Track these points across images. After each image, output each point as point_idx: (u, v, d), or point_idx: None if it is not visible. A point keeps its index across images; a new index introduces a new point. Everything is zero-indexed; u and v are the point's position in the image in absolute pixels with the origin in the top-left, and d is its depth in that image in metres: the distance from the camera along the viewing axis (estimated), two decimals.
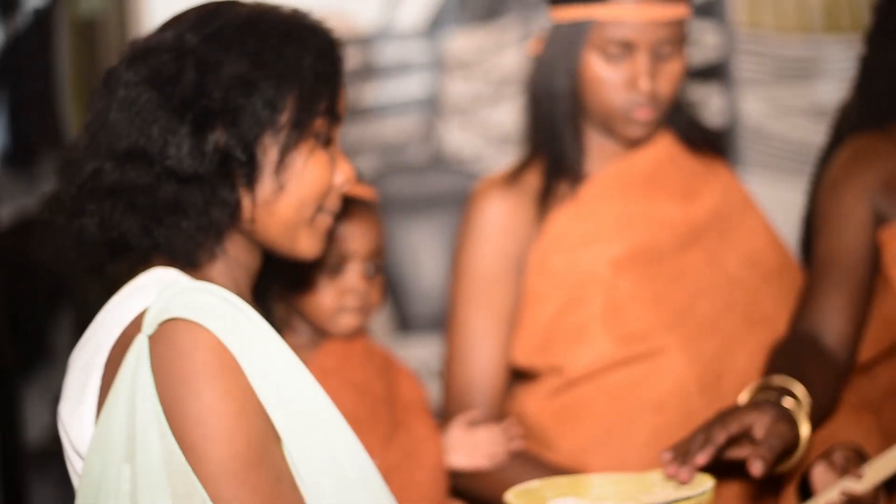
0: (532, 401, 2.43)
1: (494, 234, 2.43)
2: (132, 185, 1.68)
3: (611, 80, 2.39)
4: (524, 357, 2.43)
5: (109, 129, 1.71)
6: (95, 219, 1.70)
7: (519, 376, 2.49)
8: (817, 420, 2.15)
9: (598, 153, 2.48)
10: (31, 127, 3.64)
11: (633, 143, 2.48)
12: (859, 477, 2.25)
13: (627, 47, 2.37)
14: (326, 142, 1.80)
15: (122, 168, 1.69)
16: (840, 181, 2.49)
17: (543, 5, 2.53)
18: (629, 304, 2.39)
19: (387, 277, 2.31)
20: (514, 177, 2.47)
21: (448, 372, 2.45)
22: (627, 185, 2.47)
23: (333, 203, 1.83)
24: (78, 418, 1.67)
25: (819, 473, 2.30)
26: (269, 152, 1.73)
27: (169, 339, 1.59)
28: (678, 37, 2.40)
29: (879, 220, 2.44)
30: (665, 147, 2.50)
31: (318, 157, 1.78)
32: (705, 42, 3.60)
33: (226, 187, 1.71)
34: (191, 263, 1.72)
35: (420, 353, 2.57)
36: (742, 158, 3.60)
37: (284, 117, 1.73)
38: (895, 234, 2.41)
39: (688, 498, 1.82)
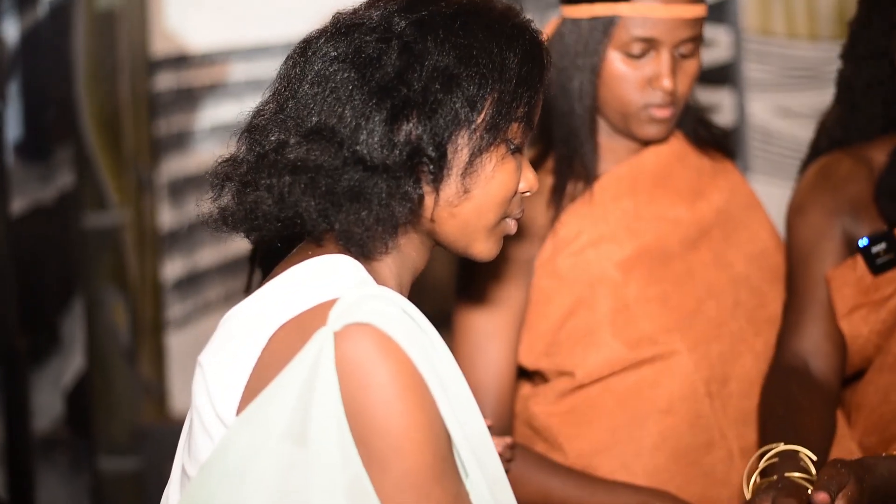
0: (539, 403, 2.43)
1: None
2: (316, 164, 1.65)
3: (632, 79, 2.38)
4: (531, 359, 2.43)
5: (300, 101, 1.68)
6: (273, 193, 1.66)
7: (525, 377, 2.49)
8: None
9: (610, 153, 2.48)
10: (47, 119, 3.67)
11: (647, 143, 2.48)
12: None
13: (650, 45, 2.36)
14: (517, 148, 1.77)
15: (308, 145, 1.66)
16: (807, 205, 2.49)
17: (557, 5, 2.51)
18: (637, 306, 2.39)
19: None
20: None
21: None
22: (636, 185, 2.47)
23: (516, 210, 1.80)
24: (226, 382, 1.65)
25: None
26: (461, 152, 1.70)
27: (358, 343, 1.57)
28: (698, 35, 2.40)
29: (850, 242, 2.45)
30: (673, 146, 2.50)
31: (507, 164, 1.74)
32: (717, 44, 3.62)
33: (411, 182, 1.67)
34: (364, 254, 1.69)
35: None
36: (750, 160, 3.61)
37: (481, 118, 1.70)
38: (840, 275, 2.42)
39: None
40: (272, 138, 1.68)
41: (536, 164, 2.46)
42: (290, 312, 1.64)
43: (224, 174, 1.71)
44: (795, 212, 2.53)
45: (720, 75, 3.60)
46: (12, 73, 3.54)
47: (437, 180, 1.69)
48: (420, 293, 3.68)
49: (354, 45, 1.68)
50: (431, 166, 1.67)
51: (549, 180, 2.45)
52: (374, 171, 1.65)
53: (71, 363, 3.60)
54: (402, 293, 1.73)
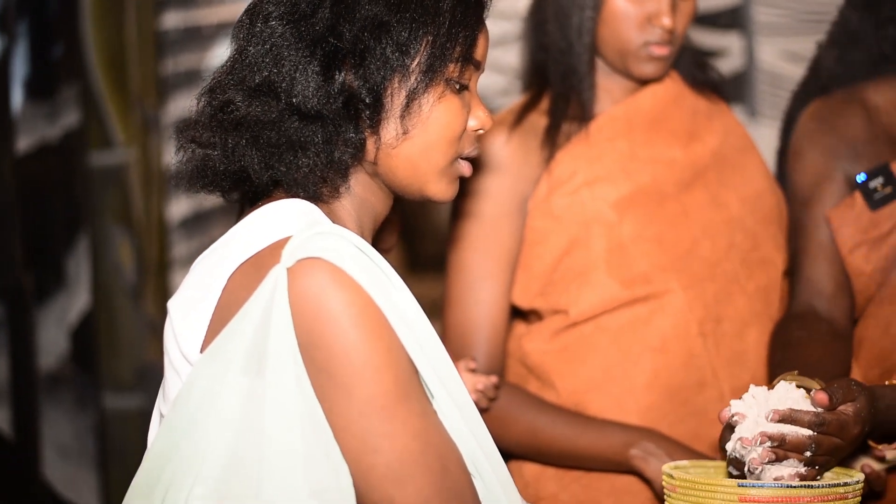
0: (533, 341, 2.45)
1: (498, 174, 2.43)
2: (258, 119, 1.73)
3: (633, 16, 2.40)
4: (526, 299, 2.45)
5: (246, 61, 1.77)
6: (220, 150, 1.75)
7: (520, 316, 2.50)
8: None
9: (606, 93, 2.49)
10: (54, 57, 3.66)
11: (644, 82, 2.49)
12: (882, 456, 2.27)
13: None
14: (461, 88, 1.81)
15: (251, 102, 1.74)
16: (806, 148, 2.50)
17: None
18: (633, 246, 2.40)
19: (401, 215, 2.32)
20: (518, 116, 2.47)
21: (447, 312, 2.46)
22: (632, 126, 2.48)
23: (467, 149, 1.84)
24: (190, 323, 1.72)
25: None
26: (398, 95, 1.75)
27: (311, 277, 1.62)
28: None
29: (849, 184, 2.45)
30: (670, 87, 2.51)
31: (449, 104, 1.79)
32: None
33: (350, 127, 1.74)
34: (312, 198, 1.75)
35: (429, 293, 2.58)
36: (758, 104, 3.60)
37: (415, 62, 1.75)
38: (839, 214, 2.42)
39: (846, 484, 1.84)
40: (221, 98, 1.76)
41: (531, 105, 2.48)
42: (247, 253, 1.70)
43: (184, 134, 1.80)
44: (795, 156, 2.53)
45: (729, 19, 3.57)
46: (20, 12, 3.53)
47: (376, 124, 1.75)
48: (422, 237, 3.69)
49: (292, 2, 1.75)
50: (368, 111, 1.74)
51: (543, 121, 2.46)
52: (312, 120, 1.72)
53: (76, 301, 3.61)
54: (363, 235, 1.79)
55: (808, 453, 1.89)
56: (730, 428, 1.93)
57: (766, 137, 2.74)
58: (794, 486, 1.79)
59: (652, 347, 2.39)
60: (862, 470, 2.24)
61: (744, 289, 2.44)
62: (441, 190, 1.82)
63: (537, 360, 2.44)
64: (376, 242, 1.87)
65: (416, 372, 1.65)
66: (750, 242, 2.47)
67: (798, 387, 1.94)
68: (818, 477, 1.93)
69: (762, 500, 1.78)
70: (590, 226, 2.41)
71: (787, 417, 1.89)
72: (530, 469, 2.45)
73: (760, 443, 1.87)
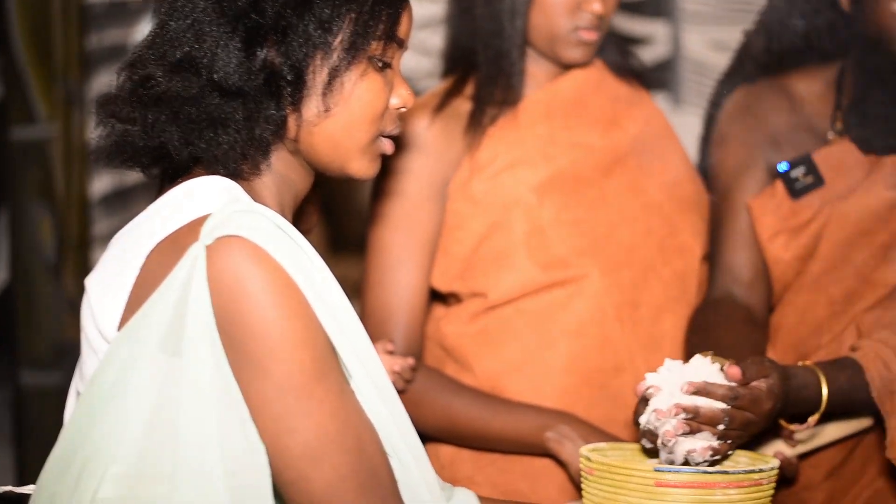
0: (451, 324, 2.46)
1: (420, 156, 2.43)
2: (178, 95, 1.71)
3: (564, 1, 2.41)
4: (445, 282, 2.45)
5: (166, 36, 1.74)
6: (139, 125, 1.73)
7: (439, 299, 2.51)
8: None
9: (530, 77, 2.50)
10: None
11: (569, 68, 2.49)
12: (794, 445, 2.30)
13: None
14: (384, 66, 1.80)
15: (171, 78, 1.72)
16: (729, 136, 2.53)
17: None
18: (552, 230, 2.41)
19: (322, 195, 2.30)
20: (442, 100, 2.47)
21: (367, 294, 2.46)
22: (552, 111, 2.49)
23: (389, 127, 1.84)
24: (108, 301, 1.70)
25: None
26: (319, 73, 1.74)
27: (230, 255, 1.61)
28: None
29: (771, 172, 2.48)
30: (591, 74, 2.52)
31: (371, 82, 1.78)
32: None
33: (271, 104, 1.72)
34: (232, 174, 1.74)
35: (351, 273, 2.58)
36: (683, 92, 3.62)
37: (338, 39, 1.74)
38: (760, 203, 2.46)
39: (761, 470, 1.86)
40: (142, 73, 1.74)
41: (455, 90, 2.48)
42: (166, 230, 1.68)
43: (104, 109, 1.78)
44: (718, 143, 2.56)
45: (655, 7, 3.60)
46: None
47: (297, 101, 1.74)
48: (344, 217, 3.68)
49: None
50: (290, 89, 1.73)
51: (467, 106, 2.47)
52: (233, 97, 1.71)
53: None
54: (283, 213, 1.77)
55: (721, 427, 1.92)
56: (644, 401, 1.96)
57: (690, 125, 2.76)
58: (710, 472, 1.81)
59: (569, 331, 2.40)
60: (775, 456, 2.27)
61: (660, 275, 2.46)
62: (362, 167, 1.82)
63: (455, 343, 2.44)
64: (297, 223, 1.86)
65: (335, 351, 1.65)
66: (668, 229, 2.49)
67: (713, 362, 1.97)
68: (730, 452, 1.96)
69: (678, 484, 1.79)
70: (510, 209, 2.41)
71: (702, 390, 1.92)
72: (446, 451, 2.46)
73: (675, 415, 1.90)
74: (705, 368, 1.96)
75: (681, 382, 1.92)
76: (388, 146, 1.84)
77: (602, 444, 2.02)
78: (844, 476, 2.41)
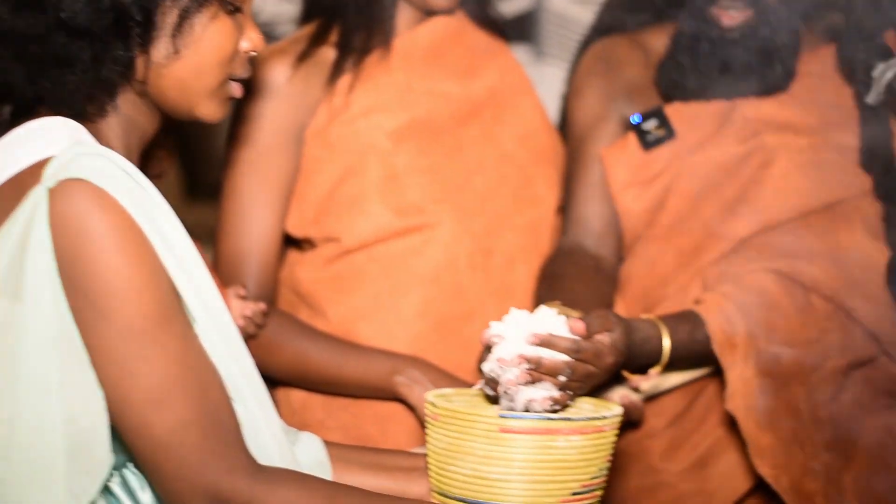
0: (305, 269, 2.46)
1: (276, 102, 2.41)
2: (23, 33, 1.67)
3: None
4: (300, 227, 2.45)
5: None
6: None
7: (293, 245, 2.50)
8: None
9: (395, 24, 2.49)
10: None
11: (432, 14, 2.49)
12: (636, 388, 2.34)
13: None
14: (235, 10, 1.78)
15: (16, 15, 1.68)
16: (584, 87, 2.55)
17: None
18: (406, 176, 2.42)
19: (176, 141, 2.27)
20: (306, 47, 2.45)
21: (220, 238, 2.44)
22: (410, 58, 2.48)
23: (240, 70, 1.82)
24: None
25: None
26: (169, 14, 1.72)
27: (73, 198, 1.58)
28: None
29: (625, 125, 2.51)
30: (450, 23, 2.52)
31: (222, 25, 1.76)
32: None
33: (119, 45, 1.69)
34: (77, 116, 1.71)
35: (207, 220, 2.55)
36: (545, 45, 3.63)
37: None
38: (613, 154, 2.49)
39: (604, 418, 1.86)
40: None
41: (318, 38, 2.46)
42: (7, 173, 1.66)
43: None
44: (573, 95, 2.58)
45: None
46: None
47: (146, 43, 1.72)
48: (200, 164, 3.63)
49: None
50: (139, 30, 1.70)
51: (330, 53, 2.46)
52: (80, 36, 1.68)
53: None
54: (129, 157, 1.74)
55: (562, 378, 1.94)
56: (489, 348, 1.97)
57: (552, 77, 2.78)
58: (554, 419, 1.83)
59: (422, 278, 2.41)
60: (620, 401, 2.32)
61: (513, 224, 2.48)
62: (211, 111, 1.80)
63: (309, 288, 2.44)
64: (146, 167, 1.84)
65: (179, 296, 1.64)
66: (521, 179, 2.50)
67: (559, 314, 1.99)
68: (569, 403, 1.99)
69: (521, 431, 1.81)
70: (365, 155, 2.41)
71: (545, 341, 1.93)
72: (297, 396, 2.46)
73: (518, 364, 1.92)
74: (550, 320, 1.97)
75: (525, 333, 1.94)
76: (237, 90, 1.83)
77: (447, 390, 2.03)
78: (686, 424, 2.47)
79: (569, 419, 1.83)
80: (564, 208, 2.53)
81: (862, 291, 2.36)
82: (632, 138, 2.49)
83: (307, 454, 1.86)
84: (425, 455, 1.94)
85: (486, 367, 1.95)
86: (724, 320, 2.29)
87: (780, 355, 2.31)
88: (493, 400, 1.99)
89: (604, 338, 2.01)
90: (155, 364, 1.60)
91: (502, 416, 1.81)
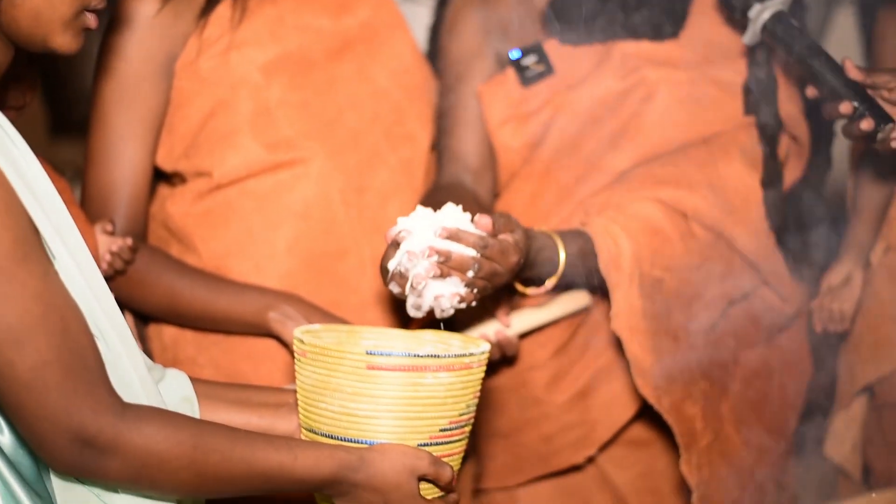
0: (176, 204, 2.43)
1: (144, 33, 2.36)
2: None
3: None
4: (170, 161, 2.41)
5: None
6: None
7: (165, 180, 2.46)
8: None
9: None
10: None
11: None
12: (507, 325, 2.36)
13: None
14: None
15: None
16: (459, 24, 2.54)
17: None
18: (278, 111, 2.39)
19: (36, 73, 2.21)
20: None
21: (88, 172, 2.39)
22: None
23: (95, 1, 1.75)
24: None
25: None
26: None
27: None
28: None
29: (501, 61, 2.51)
30: None
31: None
32: None
33: None
34: None
35: (75, 158, 2.50)
36: None
37: None
38: (490, 90, 2.50)
39: (471, 354, 1.86)
40: None
41: None
42: None
43: None
44: (448, 31, 2.56)
45: None
46: None
47: None
48: (67, 101, 3.56)
49: None
50: None
51: None
52: None
53: None
54: None
55: (470, 273, 1.98)
56: (396, 245, 1.99)
57: (420, 15, 2.75)
58: (421, 356, 1.83)
59: (294, 213, 2.40)
60: (495, 337, 2.34)
61: (386, 161, 2.47)
62: (65, 42, 1.74)
63: (180, 224, 2.42)
64: (5, 100, 1.79)
65: (37, 232, 1.60)
66: (395, 116, 2.49)
67: (464, 211, 2.02)
68: (474, 303, 2.02)
69: (389, 367, 1.81)
70: (236, 88, 2.38)
71: (454, 235, 1.97)
72: (169, 332, 2.44)
73: (428, 256, 1.95)
74: (457, 216, 2.00)
75: (434, 227, 1.97)
76: (92, 21, 1.77)
77: (316, 326, 2.02)
78: (570, 353, 2.51)
79: (436, 356, 1.83)
80: (439, 145, 2.53)
81: (742, 220, 2.41)
82: (510, 74, 2.49)
83: (173, 391, 1.85)
84: (294, 391, 1.93)
85: (393, 262, 1.97)
86: (610, 241, 2.32)
87: (664, 280, 2.35)
88: (399, 297, 2.01)
89: (508, 237, 2.04)
90: (14, 302, 1.56)
91: (370, 353, 1.81)
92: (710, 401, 2.42)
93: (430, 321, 2.11)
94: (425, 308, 2.01)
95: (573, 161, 2.48)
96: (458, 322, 2.36)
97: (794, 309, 2.52)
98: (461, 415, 1.88)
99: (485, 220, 2.01)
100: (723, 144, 2.44)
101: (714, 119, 2.46)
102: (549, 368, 2.52)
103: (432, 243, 1.96)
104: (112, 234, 2.30)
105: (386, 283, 2.03)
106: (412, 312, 2.04)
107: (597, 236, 2.31)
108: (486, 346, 1.92)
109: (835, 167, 2.60)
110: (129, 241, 2.29)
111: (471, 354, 1.87)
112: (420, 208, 2.01)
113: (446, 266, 1.96)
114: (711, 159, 2.43)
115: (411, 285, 1.97)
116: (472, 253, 1.98)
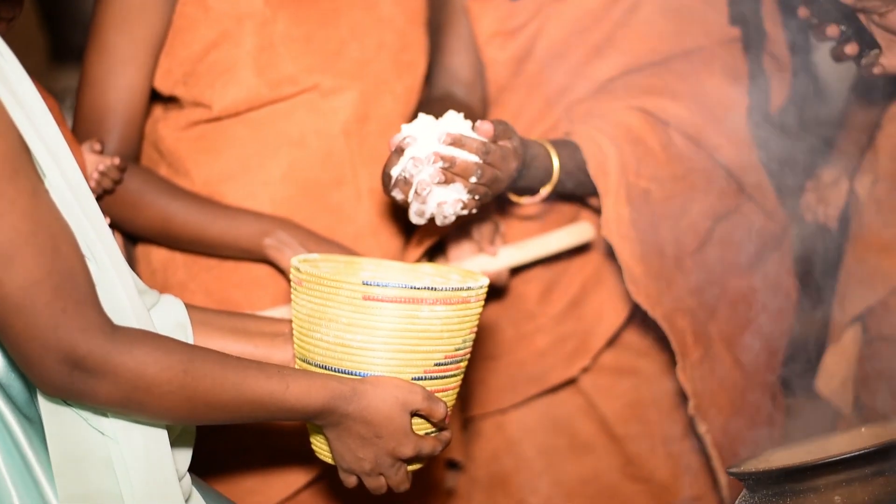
0: (169, 127, 2.38)
1: None
2: None
3: None
4: (167, 85, 2.35)
5: None
6: None
7: (159, 100, 2.42)
8: None
9: None
10: None
11: None
12: (494, 255, 2.35)
13: None
14: None
15: None
16: None
17: None
18: (282, 46, 2.34)
19: (39, 3, 2.18)
20: None
21: (83, 92, 2.34)
22: None
23: None
24: None
25: (455, 245, 2.39)
26: None
27: None
28: None
29: None
30: None
31: None
32: None
33: None
34: None
35: (74, 84, 2.46)
36: None
37: None
38: (478, 5, 2.52)
39: (469, 288, 1.85)
40: None
41: None
42: None
43: None
44: None
45: None
46: None
47: None
48: (66, 26, 3.53)
49: None
50: None
51: None
52: None
53: None
54: None
55: (473, 179, 2.01)
56: (399, 151, 2.01)
57: None
58: (418, 288, 1.80)
59: (290, 141, 2.36)
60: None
61: (392, 89, 2.43)
62: None
63: (172, 147, 2.38)
64: None
65: (27, 150, 1.56)
66: (400, 43, 2.45)
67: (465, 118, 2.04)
68: (475, 210, 2.05)
69: (385, 299, 1.79)
70: (242, 21, 2.33)
71: (458, 141, 2.00)
72: (159, 256, 2.40)
73: (433, 162, 1.97)
74: (459, 123, 2.03)
75: (438, 133, 1.99)
76: None
77: (314, 255, 1.99)
78: (558, 263, 2.54)
79: (433, 289, 1.81)
80: (432, 60, 2.53)
81: (724, 130, 2.44)
82: None
83: (167, 316, 1.82)
84: (290, 321, 1.91)
85: (397, 169, 2.00)
86: (596, 149, 2.34)
87: (650, 191, 2.38)
88: (403, 204, 2.04)
89: (506, 143, 2.08)
90: (3, 220, 1.52)
91: (366, 284, 1.79)
92: (698, 319, 2.44)
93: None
94: (428, 214, 2.04)
95: (559, 72, 2.49)
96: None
97: (780, 227, 2.55)
98: (457, 349, 1.86)
99: (486, 126, 2.04)
100: (704, 59, 2.47)
101: (697, 33, 2.48)
102: (540, 280, 2.55)
103: (437, 149, 1.99)
104: (100, 153, 2.26)
105: (387, 191, 2.05)
106: (415, 220, 2.06)
107: (583, 144, 2.34)
108: (485, 281, 1.89)
109: (828, 90, 2.65)
110: (118, 160, 2.25)
111: (468, 288, 1.85)
112: (422, 115, 2.03)
113: (450, 172, 2.00)
114: (693, 71, 2.46)
115: (415, 191, 2.00)
116: (475, 159, 2.01)
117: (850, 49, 2.21)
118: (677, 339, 2.39)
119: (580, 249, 2.53)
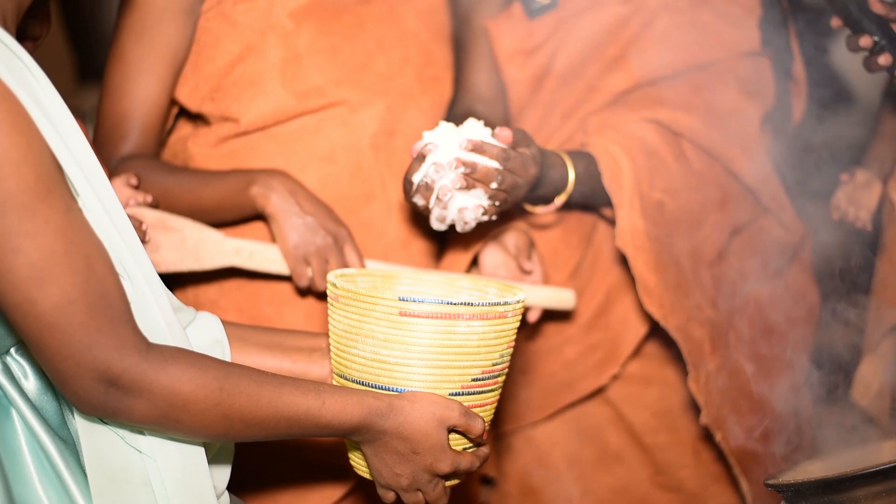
0: (199, 145, 2.38)
1: None
2: None
3: None
4: (195, 101, 2.36)
5: None
6: None
7: (188, 117, 2.42)
8: None
9: None
10: None
11: None
12: (531, 271, 2.35)
13: None
14: None
15: None
16: None
17: None
18: (308, 58, 2.34)
19: (67, 21, 2.18)
20: None
21: (103, 102, 2.34)
22: None
23: None
24: None
25: (489, 256, 2.38)
26: None
27: None
28: None
29: None
30: None
31: None
32: None
33: None
34: None
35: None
36: None
37: None
38: (497, 25, 2.51)
39: (506, 303, 1.83)
40: None
41: None
42: None
43: None
44: None
45: None
46: None
47: None
48: (93, 45, 3.53)
49: None
50: None
51: None
52: None
53: None
54: (5, 26, 1.63)
55: (493, 185, 2.03)
56: (420, 159, 2.04)
57: None
58: (455, 304, 1.79)
59: (319, 157, 2.35)
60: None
61: (418, 104, 2.43)
62: None
63: (202, 165, 2.37)
64: (24, 33, 1.75)
65: (60, 168, 1.55)
66: (425, 58, 2.45)
67: (485, 126, 2.07)
68: (494, 216, 2.07)
69: (422, 315, 1.77)
70: (265, 34, 2.33)
71: (479, 147, 2.03)
72: (190, 274, 2.38)
73: (455, 168, 2.00)
74: (479, 130, 2.06)
75: (459, 140, 2.02)
76: None
77: (350, 270, 1.98)
78: (582, 274, 2.53)
79: (470, 304, 1.80)
80: (456, 79, 2.53)
81: (738, 142, 2.44)
82: (517, 8, 2.52)
83: (204, 333, 1.81)
84: (327, 335, 1.90)
85: (419, 175, 2.03)
86: (610, 160, 2.36)
87: (664, 203, 2.38)
88: (423, 210, 2.06)
89: (525, 150, 2.11)
90: (37, 239, 1.51)
91: (402, 300, 1.77)
92: (717, 329, 2.44)
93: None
94: (449, 220, 2.07)
95: (575, 87, 2.51)
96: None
97: (798, 237, 2.54)
98: (494, 364, 1.84)
99: (505, 133, 2.07)
100: (719, 73, 2.48)
101: (712, 46, 2.48)
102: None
103: (458, 155, 2.02)
104: (136, 188, 2.26)
105: (409, 198, 2.07)
106: (436, 225, 2.08)
107: (598, 156, 2.35)
108: (523, 296, 1.88)
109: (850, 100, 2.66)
110: (150, 197, 2.24)
111: (506, 303, 1.83)
112: (444, 123, 2.06)
113: (471, 177, 2.02)
114: (708, 85, 2.47)
115: (437, 196, 2.02)
116: (495, 164, 2.03)
117: (884, 60, 2.21)
118: (691, 348, 2.38)
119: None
